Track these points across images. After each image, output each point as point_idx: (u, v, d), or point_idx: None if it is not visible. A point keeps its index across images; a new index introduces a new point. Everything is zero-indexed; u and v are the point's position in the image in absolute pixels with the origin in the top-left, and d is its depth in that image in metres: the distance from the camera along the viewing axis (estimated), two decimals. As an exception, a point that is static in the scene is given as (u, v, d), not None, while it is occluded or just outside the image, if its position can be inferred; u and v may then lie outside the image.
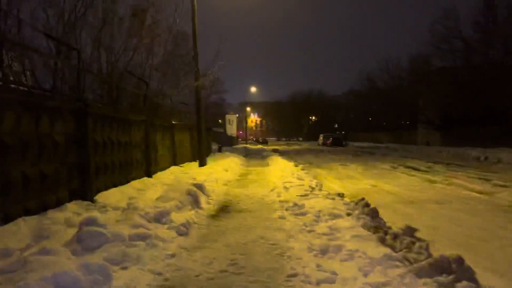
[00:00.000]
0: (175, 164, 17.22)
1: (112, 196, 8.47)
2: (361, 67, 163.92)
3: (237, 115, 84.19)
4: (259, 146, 63.07)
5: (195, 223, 6.91)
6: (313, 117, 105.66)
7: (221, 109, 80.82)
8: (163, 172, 14.04)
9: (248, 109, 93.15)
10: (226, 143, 48.86)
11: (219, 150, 34.46)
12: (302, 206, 7.86)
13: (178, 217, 6.65)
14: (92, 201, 7.76)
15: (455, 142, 38.06)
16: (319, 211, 7.30)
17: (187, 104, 20.74)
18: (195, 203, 8.26)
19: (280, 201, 9.17)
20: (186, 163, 19.04)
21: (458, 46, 38.50)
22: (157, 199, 8.13)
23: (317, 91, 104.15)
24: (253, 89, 70.98)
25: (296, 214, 7.45)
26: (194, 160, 20.10)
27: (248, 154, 34.50)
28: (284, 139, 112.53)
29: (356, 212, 6.78)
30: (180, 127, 19.11)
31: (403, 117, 54.22)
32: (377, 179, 14.95)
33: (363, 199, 7.26)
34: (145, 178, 11.57)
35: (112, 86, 12.96)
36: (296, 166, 18.40)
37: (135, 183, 10.39)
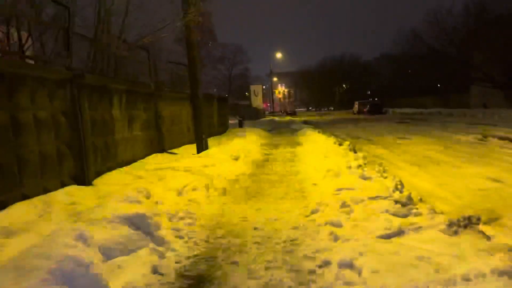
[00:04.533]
0: (163, 150, 11.65)
1: None
2: (398, 27, 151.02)
3: (264, 86, 78.11)
4: (288, 118, 57.20)
5: None
6: (344, 85, 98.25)
7: (247, 81, 75.15)
8: (126, 168, 8.43)
9: (275, 79, 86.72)
10: (251, 116, 43.27)
11: (240, 125, 28.84)
12: None
13: None
14: None
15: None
16: None
17: (184, 66, 14.85)
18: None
19: (341, 265, 3.38)
20: (183, 147, 13.48)
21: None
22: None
23: (349, 55, 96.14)
24: (279, 55, 64.26)
25: None
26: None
27: (274, 128, 28.70)
28: (314, 109, 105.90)
29: None
30: (173, 97, 13.44)
31: (452, 77, 46.56)
32: (483, 164, 8.91)
33: None
34: (67, 190, 5.98)
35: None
36: (340, 144, 12.45)
37: (13, 213, 4.77)
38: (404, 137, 16.13)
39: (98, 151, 7.58)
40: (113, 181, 7.19)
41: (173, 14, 9.79)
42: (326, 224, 4.56)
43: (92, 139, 7.31)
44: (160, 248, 3.99)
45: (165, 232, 4.39)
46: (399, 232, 4.01)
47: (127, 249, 3.64)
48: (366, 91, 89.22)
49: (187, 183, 6.77)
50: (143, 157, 9.96)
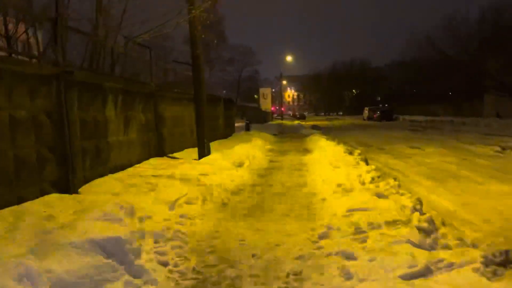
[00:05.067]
0: (163, 154, 11.03)
1: None
2: (410, 33, 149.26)
3: (273, 89, 77.37)
4: (296, 122, 56.43)
5: None
6: (354, 91, 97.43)
7: (256, 83, 74.37)
8: (119, 175, 7.79)
9: (284, 82, 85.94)
10: (259, 119, 42.64)
11: (247, 128, 28.10)
12: None
13: None
14: None
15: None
16: None
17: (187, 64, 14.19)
18: None
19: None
20: (185, 151, 12.85)
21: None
22: None
23: (360, 60, 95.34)
24: (289, 59, 63.35)
25: None
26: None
27: (281, 133, 28.03)
28: (323, 113, 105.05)
29: None
30: (176, 98, 12.81)
31: (465, 84, 45.48)
32: (507, 181, 8.12)
33: None
34: (45, 200, 5.34)
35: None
36: (350, 153, 11.71)
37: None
38: (417, 147, 15.37)
39: (87, 156, 6.95)
40: (102, 189, 6.54)
41: (176, 9, 9.14)
42: (337, 254, 3.87)
43: (80, 142, 6.69)
44: (137, 281, 3.32)
45: (146, 257, 3.72)
46: (426, 272, 3.32)
47: (93, 284, 2.98)
48: (376, 97, 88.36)
49: (181, 195, 6.12)
50: (139, 162, 9.33)
